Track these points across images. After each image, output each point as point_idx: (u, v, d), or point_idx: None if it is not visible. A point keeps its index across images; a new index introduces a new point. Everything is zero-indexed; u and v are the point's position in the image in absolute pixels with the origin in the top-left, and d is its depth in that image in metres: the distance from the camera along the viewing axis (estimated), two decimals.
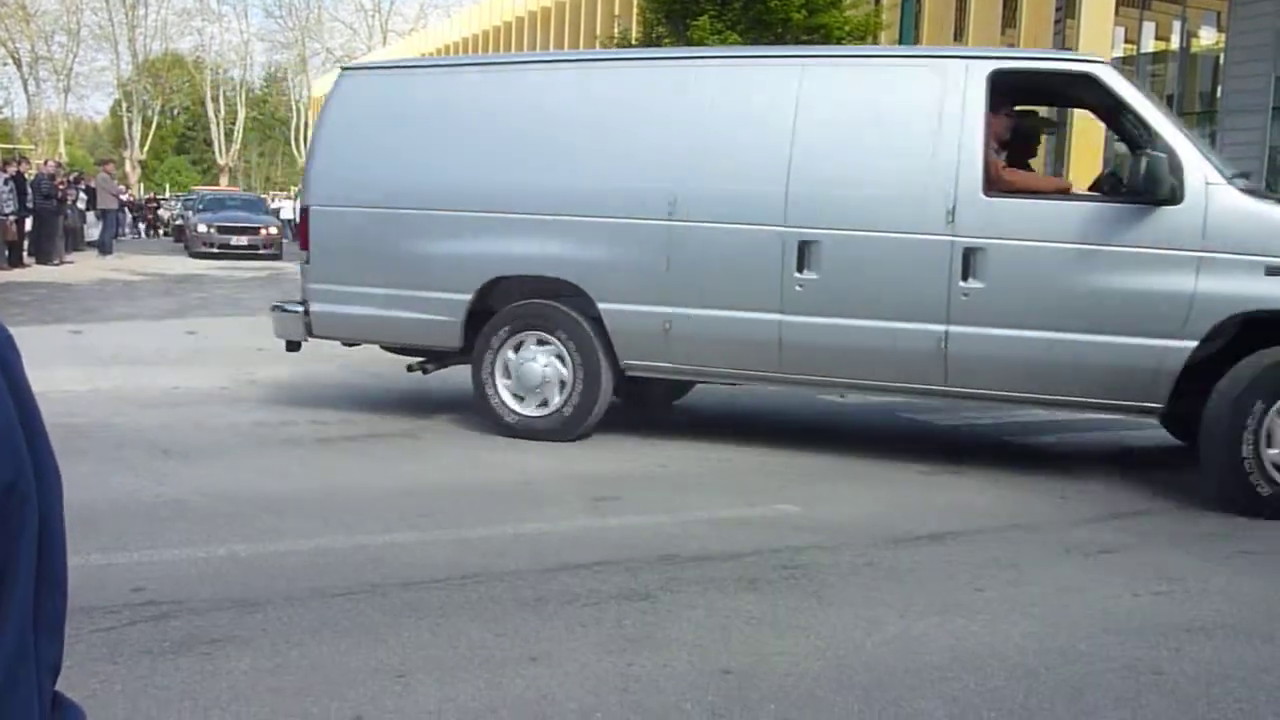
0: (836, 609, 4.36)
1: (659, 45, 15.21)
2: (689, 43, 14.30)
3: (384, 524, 5.33)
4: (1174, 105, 29.31)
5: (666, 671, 3.70)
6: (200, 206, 28.55)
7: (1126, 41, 29.60)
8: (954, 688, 3.67)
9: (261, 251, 24.40)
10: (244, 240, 24.52)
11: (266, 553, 4.83)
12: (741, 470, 6.81)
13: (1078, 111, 21.33)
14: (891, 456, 7.35)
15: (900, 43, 13.75)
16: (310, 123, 71.88)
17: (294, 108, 76.08)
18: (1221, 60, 27.98)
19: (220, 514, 5.42)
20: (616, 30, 17.74)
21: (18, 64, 66.13)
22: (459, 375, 10.40)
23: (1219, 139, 27.35)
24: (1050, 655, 3.96)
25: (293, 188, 51.54)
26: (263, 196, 43.59)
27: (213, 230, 24.65)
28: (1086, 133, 21.64)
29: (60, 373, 9.40)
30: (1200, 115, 28.97)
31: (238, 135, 72.47)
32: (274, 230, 25.35)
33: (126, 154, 64.90)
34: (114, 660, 3.64)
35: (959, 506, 6.11)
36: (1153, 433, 8.61)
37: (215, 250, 23.75)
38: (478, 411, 7.72)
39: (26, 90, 67.32)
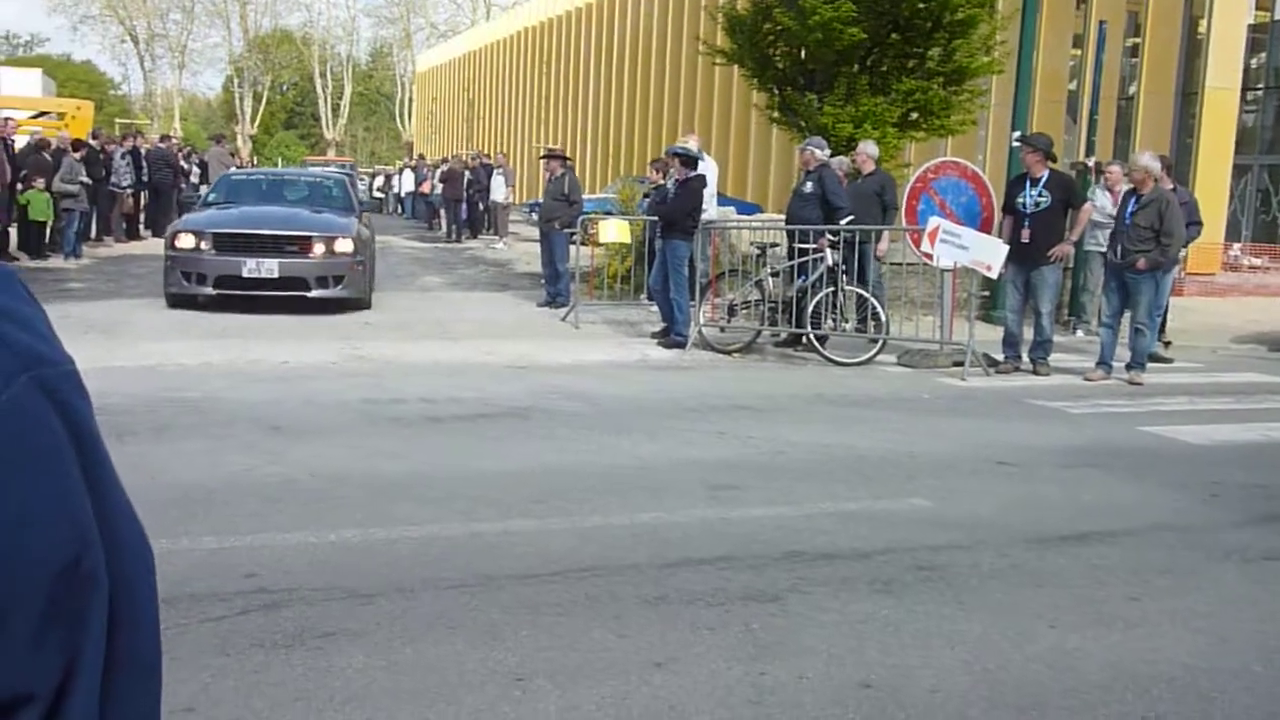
0: (980, 616, 4.05)
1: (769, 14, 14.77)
2: (800, 12, 13.88)
3: (498, 510, 5.14)
4: None
5: (802, 684, 3.44)
6: (215, 195, 14.10)
7: (1259, 9, 28.17)
8: (1118, 711, 3.35)
9: (314, 294, 11.80)
10: (272, 266, 11.64)
11: (377, 539, 4.67)
12: (864, 459, 6.49)
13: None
14: (1024, 446, 6.96)
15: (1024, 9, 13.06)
16: (414, 97, 72.87)
17: (399, 83, 76.92)
18: None
19: (331, 496, 5.30)
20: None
21: (135, 41, 68.14)
22: (563, 353, 10.23)
23: None
24: (1223, 676, 3.61)
25: (397, 161, 51.72)
26: (363, 173, 33.88)
27: (207, 248, 11.76)
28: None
29: (172, 345, 9.47)
30: None
31: (344, 110, 73.53)
32: (347, 245, 12.06)
33: (238, 129, 66.30)
34: (225, 652, 3.51)
35: (1101, 503, 5.72)
36: None
37: (209, 290, 11.63)
38: None
39: (143, 66, 69.35)
